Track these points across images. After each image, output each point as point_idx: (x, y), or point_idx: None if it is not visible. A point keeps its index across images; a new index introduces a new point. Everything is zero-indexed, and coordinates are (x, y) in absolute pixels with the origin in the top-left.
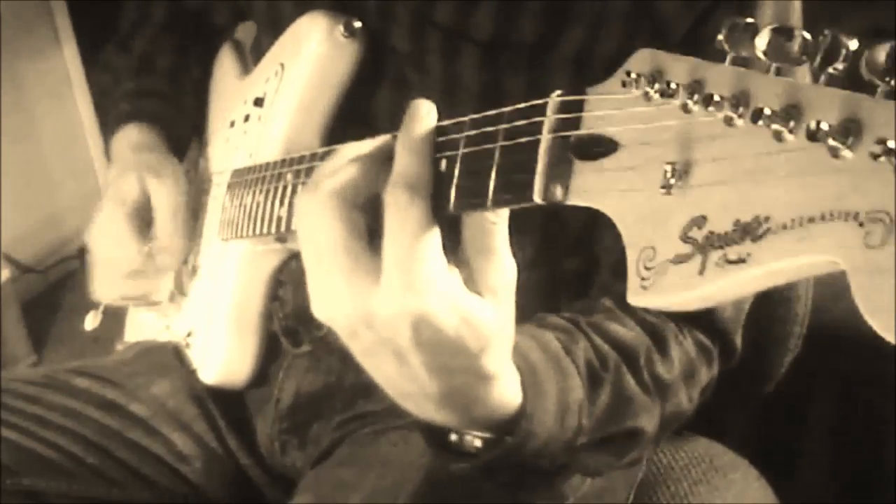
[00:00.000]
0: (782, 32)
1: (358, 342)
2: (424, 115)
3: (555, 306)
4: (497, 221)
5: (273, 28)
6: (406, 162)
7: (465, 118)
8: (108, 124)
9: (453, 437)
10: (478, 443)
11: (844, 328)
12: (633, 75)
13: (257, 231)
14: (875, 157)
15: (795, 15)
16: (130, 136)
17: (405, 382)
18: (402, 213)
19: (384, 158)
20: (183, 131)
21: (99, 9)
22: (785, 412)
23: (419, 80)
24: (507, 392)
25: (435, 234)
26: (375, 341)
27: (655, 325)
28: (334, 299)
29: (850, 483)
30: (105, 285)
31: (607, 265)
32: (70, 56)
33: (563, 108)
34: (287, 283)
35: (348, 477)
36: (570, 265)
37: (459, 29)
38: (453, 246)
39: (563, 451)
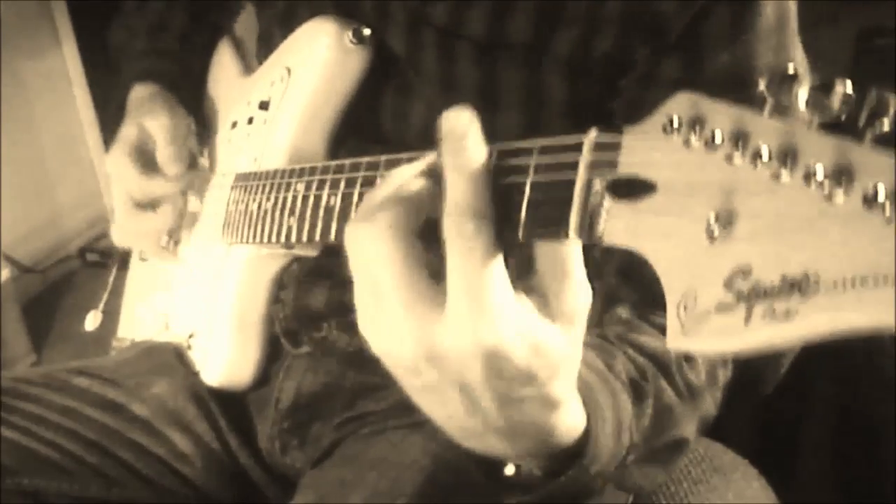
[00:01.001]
0: (822, 88)
1: (419, 379)
2: (472, 131)
3: None
4: (572, 244)
5: (286, 25)
6: (464, 189)
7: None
8: (121, 80)
9: (509, 469)
10: (537, 472)
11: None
12: (675, 122)
13: (265, 239)
14: None
15: (792, 16)
16: (139, 93)
17: (470, 418)
18: (468, 243)
19: (434, 180)
20: (192, 92)
21: (99, 9)
22: (785, 412)
23: (418, 81)
24: (573, 417)
25: (500, 263)
26: (439, 378)
27: None
28: (393, 334)
29: (850, 483)
30: (118, 226)
31: (610, 271)
32: (70, 56)
33: (600, 146)
34: (288, 284)
35: (348, 477)
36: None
37: (455, 29)
38: (525, 273)
39: (615, 472)
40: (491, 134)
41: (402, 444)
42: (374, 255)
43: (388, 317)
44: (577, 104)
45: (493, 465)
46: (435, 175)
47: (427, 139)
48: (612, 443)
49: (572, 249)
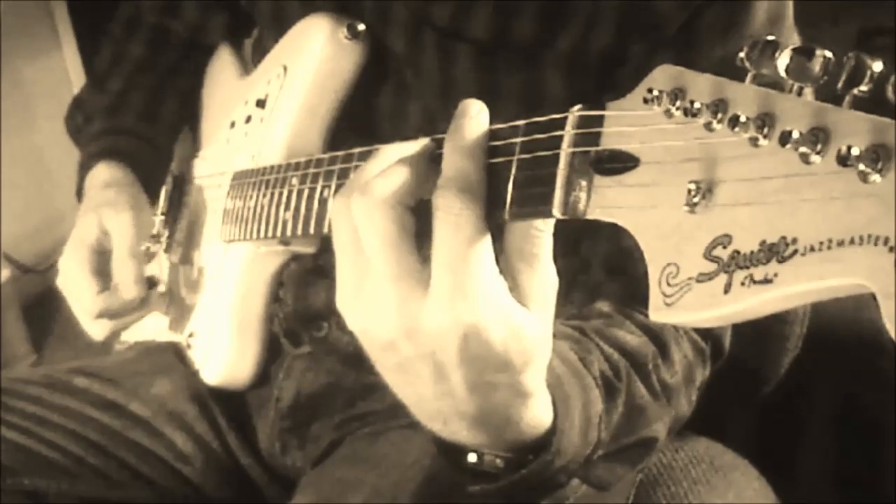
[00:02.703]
0: (803, 52)
1: (393, 356)
2: (475, 114)
3: None
4: (544, 229)
5: (277, 27)
6: (458, 165)
7: (506, 125)
8: (79, 166)
9: (472, 457)
10: (499, 462)
11: (844, 328)
12: (655, 92)
13: (262, 234)
14: None
15: (788, 13)
16: (99, 174)
17: (438, 400)
18: (454, 218)
19: (430, 162)
20: (156, 169)
21: (99, 9)
22: (785, 412)
23: (416, 81)
24: (540, 410)
25: (488, 241)
26: (414, 355)
27: (656, 330)
28: (375, 308)
29: (851, 483)
30: (88, 327)
31: (598, 263)
32: (70, 56)
33: (583, 122)
34: (287, 284)
35: (348, 476)
36: (557, 265)
37: (456, 29)
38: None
39: (580, 466)
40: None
41: (402, 444)
42: (365, 226)
43: (371, 290)
44: (574, 101)
45: (456, 452)
46: (428, 157)
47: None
48: (579, 439)
49: (543, 234)
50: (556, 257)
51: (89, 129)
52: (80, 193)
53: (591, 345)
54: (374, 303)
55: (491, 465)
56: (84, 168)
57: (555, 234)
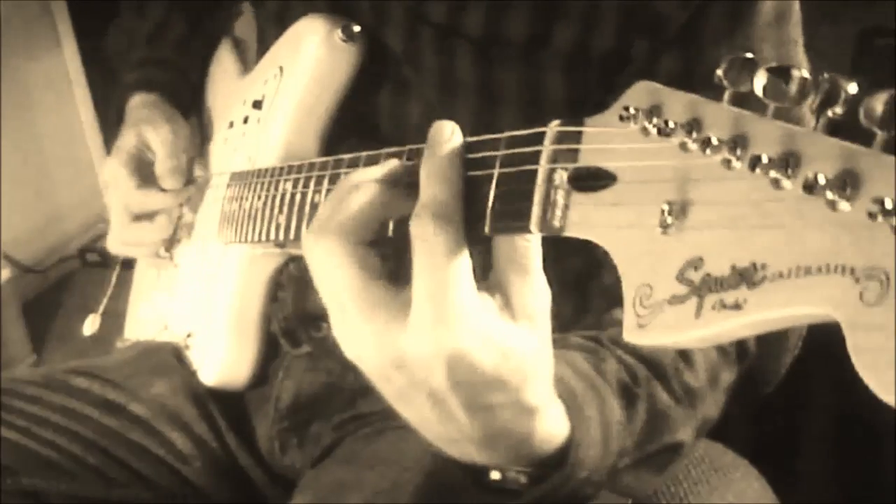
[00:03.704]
0: (780, 73)
1: (390, 386)
2: (447, 138)
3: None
4: (531, 240)
5: (281, 26)
6: (432, 191)
7: (488, 137)
8: (120, 88)
9: (495, 475)
10: (523, 479)
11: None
12: (632, 109)
13: (256, 237)
14: (872, 215)
15: (794, 11)
16: (138, 101)
17: (442, 424)
18: (427, 245)
19: (394, 184)
20: (190, 100)
21: (99, 9)
22: (785, 412)
23: (415, 79)
24: (552, 423)
25: (464, 265)
26: (408, 384)
27: None
28: (359, 342)
29: (851, 483)
30: (113, 236)
31: (609, 265)
32: (70, 56)
33: (561, 137)
34: (287, 285)
35: (348, 477)
36: (572, 265)
37: (453, 27)
38: (483, 272)
39: (606, 476)
40: (492, 130)
41: (402, 445)
42: (327, 266)
43: (350, 325)
44: (575, 100)
45: (478, 472)
46: (390, 181)
47: (425, 139)
48: (599, 449)
49: (531, 245)
50: (570, 254)
51: (131, 55)
52: (119, 117)
53: (605, 353)
54: (355, 337)
55: (514, 482)
56: (123, 95)
57: (561, 237)
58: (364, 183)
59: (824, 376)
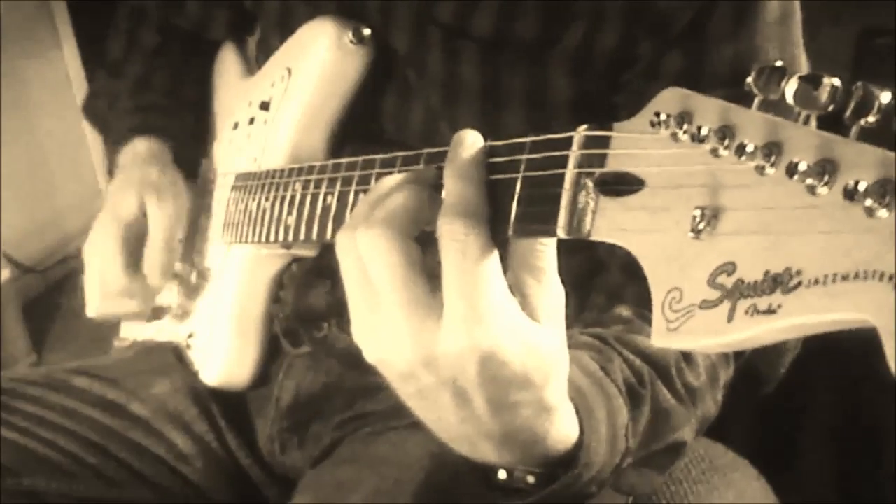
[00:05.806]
0: (811, 80)
1: (412, 384)
2: (470, 144)
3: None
4: (548, 243)
5: (283, 27)
6: (457, 191)
7: (510, 141)
8: (112, 142)
9: (502, 474)
10: (530, 479)
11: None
12: (663, 115)
13: (264, 238)
14: None
15: (796, 11)
16: (138, 148)
17: (462, 424)
18: (459, 244)
19: (428, 188)
20: (189, 146)
21: (99, 9)
22: (785, 412)
23: (420, 81)
24: (566, 424)
25: (494, 262)
26: (434, 383)
27: None
28: (390, 340)
29: (850, 483)
30: (94, 300)
31: (615, 265)
32: (70, 56)
33: (589, 142)
34: (288, 285)
35: (348, 477)
36: (572, 263)
37: (460, 27)
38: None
39: (610, 476)
40: (496, 133)
41: (402, 445)
42: (372, 258)
43: (385, 322)
44: (580, 100)
45: (486, 470)
46: (429, 184)
47: (428, 141)
48: (606, 449)
49: (548, 246)
50: (572, 254)
51: (118, 107)
52: (111, 169)
53: (612, 353)
54: (388, 334)
55: (521, 481)
56: (117, 143)
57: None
58: (404, 182)
59: (824, 376)
